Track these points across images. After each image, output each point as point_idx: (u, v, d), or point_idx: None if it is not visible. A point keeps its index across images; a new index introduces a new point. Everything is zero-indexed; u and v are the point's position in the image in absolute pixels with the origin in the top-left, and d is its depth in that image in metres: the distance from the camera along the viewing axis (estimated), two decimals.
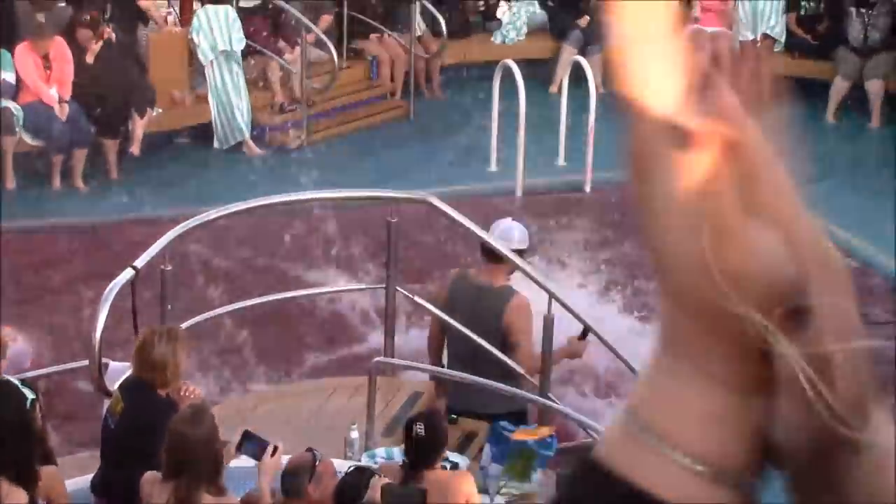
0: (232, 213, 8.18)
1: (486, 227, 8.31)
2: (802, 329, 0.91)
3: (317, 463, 5.78)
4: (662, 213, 0.86)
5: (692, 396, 0.83)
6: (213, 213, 7.86)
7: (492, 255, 7.85)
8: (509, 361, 7.67)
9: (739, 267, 0.85)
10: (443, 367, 7.97)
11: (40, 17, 12.94)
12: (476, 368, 7.66)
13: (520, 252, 7.92)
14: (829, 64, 15.32)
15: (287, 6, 14.24)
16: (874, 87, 14.94)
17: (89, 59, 12.74)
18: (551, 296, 7.59)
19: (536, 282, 7.70)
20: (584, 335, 7.75)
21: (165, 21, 14.01)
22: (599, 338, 7.75)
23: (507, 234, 8.00)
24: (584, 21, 15.94)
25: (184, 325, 7.15)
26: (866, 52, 15.10)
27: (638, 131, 0.87)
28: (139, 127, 13.09)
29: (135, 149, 13.09)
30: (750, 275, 0.86)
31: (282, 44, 14.35)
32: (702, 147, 0.86)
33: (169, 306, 7.42)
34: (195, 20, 13.79)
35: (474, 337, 7.69)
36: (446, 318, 7.88)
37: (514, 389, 7.57)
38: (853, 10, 15.26)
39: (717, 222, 0.85)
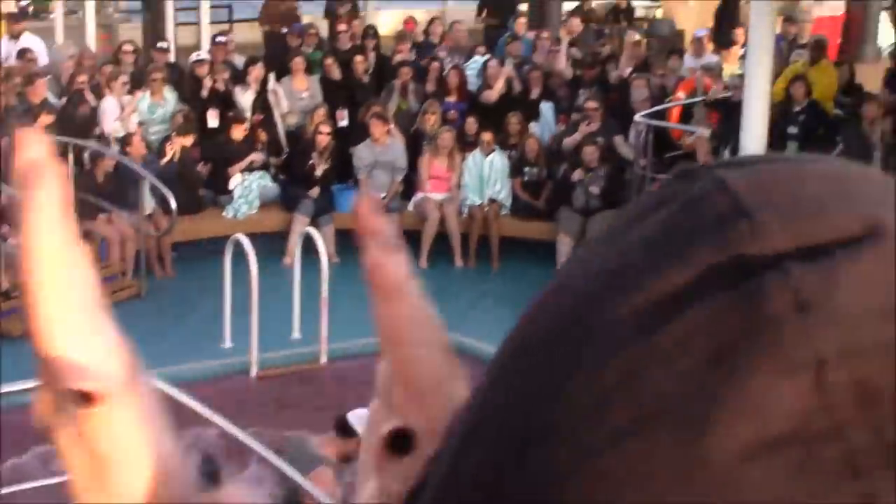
0: None
1: (220, 408, 8.15)
2: None
3: None
4: None
5: None
6: None
7: (340, 430, 8.02)
8: None
9: None
10: None
11: None
12: None
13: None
14: (555, 224, 15.78)
15: (9, 188, 13.96)
16: None
17: None
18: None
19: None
20: None
21: None
22: None
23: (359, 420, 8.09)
24: (314, 192, 16.09)
25: None
26: (588, 211, 15.63)
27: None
28: None
29: None
30: None
31: (5, 228, 14.03)
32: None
33: None
34: None
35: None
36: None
37: None
38: (574, 174, 15.80)
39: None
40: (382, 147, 16.38)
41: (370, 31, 19.12)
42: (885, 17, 22.20)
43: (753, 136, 13.90)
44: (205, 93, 16.85)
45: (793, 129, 15.77)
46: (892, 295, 0.55)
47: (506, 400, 0.59)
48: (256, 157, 16.46)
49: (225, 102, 16.92)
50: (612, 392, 0.55)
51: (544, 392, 0.57)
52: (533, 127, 17.07)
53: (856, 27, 21.55)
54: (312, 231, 14.19)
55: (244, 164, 16.30)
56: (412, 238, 15.89)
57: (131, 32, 20.06)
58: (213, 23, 20.10)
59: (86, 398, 0.72)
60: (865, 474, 0.53)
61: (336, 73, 17.59)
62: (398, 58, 18.19)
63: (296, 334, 13.51)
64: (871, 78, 17.55)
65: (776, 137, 14.80)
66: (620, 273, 0.57)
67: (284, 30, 19.68)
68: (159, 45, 18.15)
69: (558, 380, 0.57)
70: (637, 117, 16.11)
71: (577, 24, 19.78)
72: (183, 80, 17.37)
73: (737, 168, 0.59)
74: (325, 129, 16.33)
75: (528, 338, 0.60)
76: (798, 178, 0.58)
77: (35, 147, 0.79)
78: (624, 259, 0.58)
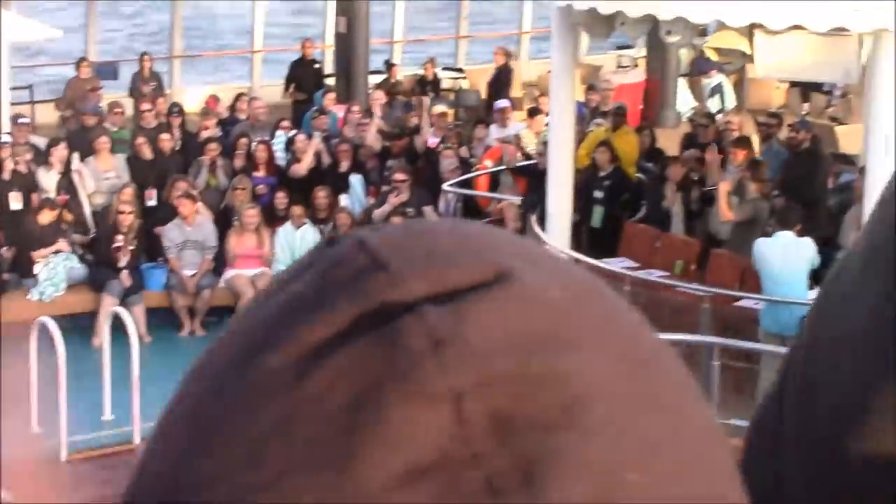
0: None
1: (29, 493, 7.96)
2: None
3: None
4: None
5: None
6: None
7: None
8: None
9: None
10: None
11: None
12: None
13: None
14: None
15: None
16: None
17: None
18: None
19: None
20: None
21: None
22: None
23: None
24: (123, 273, 15.86)
25: None
26: None
27: None
28: None
29: None
30: None
31: None
32: None
33: None
34: None
35: None
36: None
37: None
38: None
39: None
40: (192, 226, 16.25)
41: (175, 109, 19.01)
42: (682, 84, 22.86)
43: (559, 200, 14.17)
44: (6, 175, 16.54)
45: (598, 194, 16.06)
46: (517, 331, 0.59)
47: (165, 456, 0.62)
48: (63, 245, 16.16)
49: (28, 184, 16.63)
50: (268, 437, 0.58)
51: (201, 443, 0.60)
52: (343, 199, 17.12)
53: (656, 94, 22.14)
54: (122, 311, 13.99)
55: (49, 251, 16.00)
56: (227, 314, 15.77)
57: None
58: (13, 104, 19.73)
59: None
60: (504, 495, 0.57)
61: (147, 153, 17.44)
62: (204, 134, 18.11)
63: (107, 415, 13.27)
64: (671, 142, 18.03)
65: (583, 202, 15.09)
66: (271, 328, 0.61)
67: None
68: None
69: (215, 430, 0.60)
70: (445, 186, 16.27)
71: (382, 96, 19.95)
72: None
73: (375, 231, 0.64)
74: (128, 208, 16.14)
75: (188, 393, 0.63)
76: (431, 235, 0.63)
77: None
78: (275, 315, 0.61)
